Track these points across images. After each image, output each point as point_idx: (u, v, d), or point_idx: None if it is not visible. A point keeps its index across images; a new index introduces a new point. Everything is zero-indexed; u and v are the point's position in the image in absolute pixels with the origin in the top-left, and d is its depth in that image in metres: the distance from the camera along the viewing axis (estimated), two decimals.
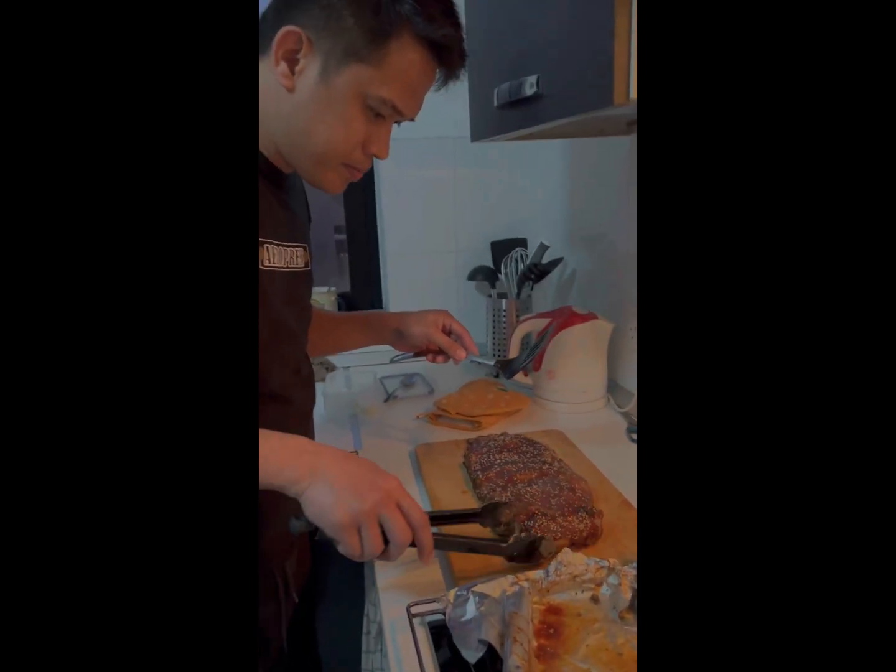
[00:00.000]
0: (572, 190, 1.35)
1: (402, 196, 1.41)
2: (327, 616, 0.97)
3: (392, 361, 1.01)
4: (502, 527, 0.67)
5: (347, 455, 0.58)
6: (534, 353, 0.92)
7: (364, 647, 0.77)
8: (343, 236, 1.56)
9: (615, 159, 1.13)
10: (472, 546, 0.62)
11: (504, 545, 0.61)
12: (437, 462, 0.89)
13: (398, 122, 0.64)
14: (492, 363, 0.93)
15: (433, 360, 0.89)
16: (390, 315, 0.92)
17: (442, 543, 0.60)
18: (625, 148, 1.09)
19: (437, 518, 0.64)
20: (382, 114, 0.60)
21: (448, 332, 0.87)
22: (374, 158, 0.65)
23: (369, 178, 1.46)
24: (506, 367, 0.93)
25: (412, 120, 0.64)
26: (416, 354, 0.92)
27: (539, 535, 0.63)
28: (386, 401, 1.18)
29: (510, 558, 0.62)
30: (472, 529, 0.67)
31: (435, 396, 1.15)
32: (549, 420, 1.05)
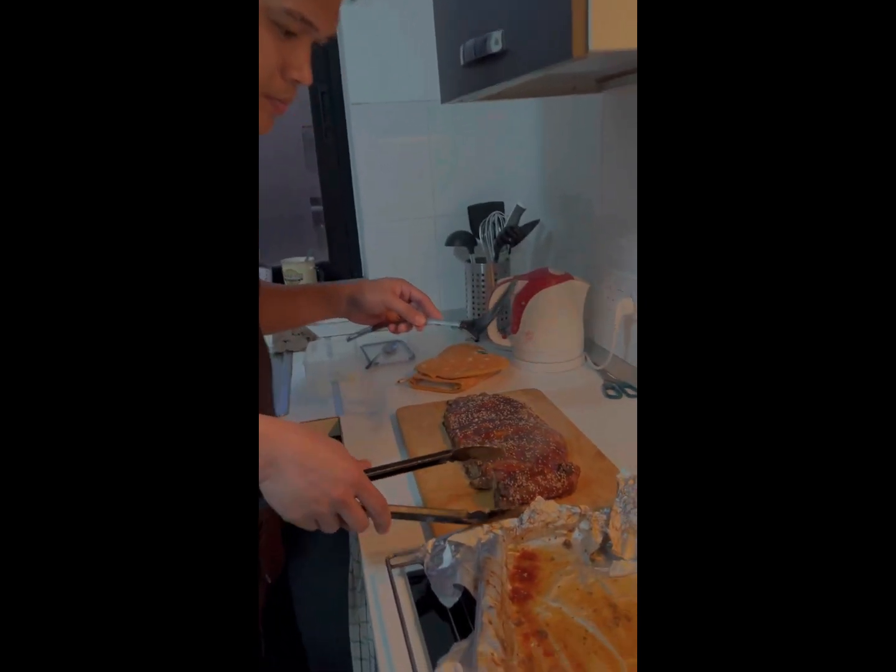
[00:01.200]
0: (548, 152, 1.34)
1: (378, 163, 1.39)
2: (312, 577, 1.00)
3: (350, 339, 0.98)
4: (477, 469, 0.70)
5: (310, 440, 0.53)
6: (497, 310, 0.93)
7: (350, 602, 0.79)
8: (320, 208, 1.54)
9: (589, 120, 1.12)
10: (432, 518, 0.63)
11: (466, 519, 0.60)
12: (418, 424, 0.90)
13: (318, 43, 0.56)
14: (456, 325, 0.93)
15: (395, 331, 0.87)
16: (344, 285, 0.88)
17: (402, 515, 0.60)
18: (598, 108, 1.08)
19: (409, 464, 0.65)
20: (293, 30, 0.52)
21: (407, 300, 0.85)
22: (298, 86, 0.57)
23: (343, 146, 1.44)
24: (472, 327, 0.93)
25: (331, 39, 0.56)
26: (375, 327, 0.89)
27: (504, 507, 0.64)
28: (367, 368, 1.19)
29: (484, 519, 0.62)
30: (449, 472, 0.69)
31: (416, 362, 1.16)
32: (527, 380, 1.07)
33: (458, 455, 0.67)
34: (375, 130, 1.36)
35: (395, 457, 0.83)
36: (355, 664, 0.82)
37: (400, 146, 1.39)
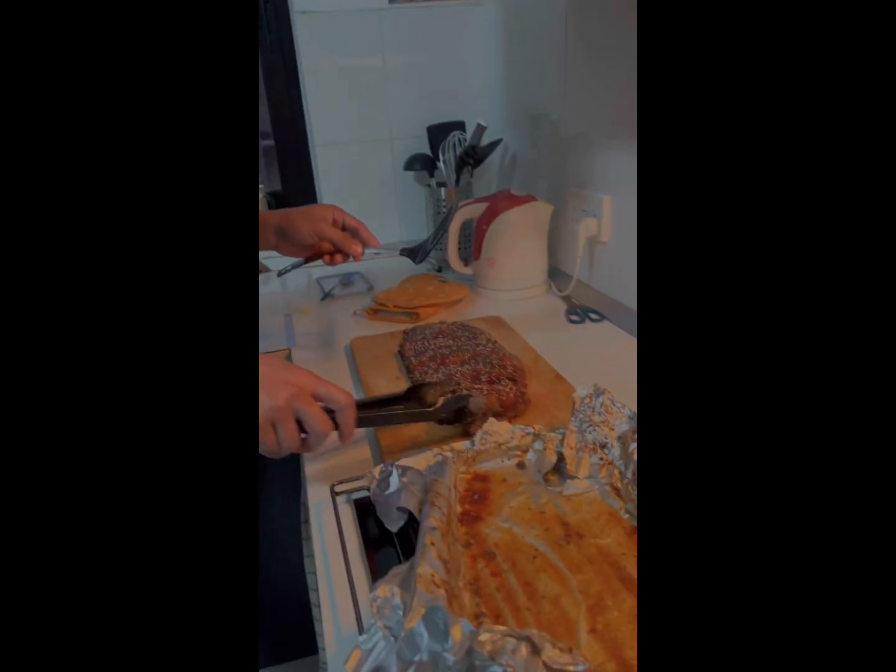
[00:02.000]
0: (510, 67, 1.26)
1: (329, 84, 1.29)
2: (268, 511, 0.98)
3: (280, 275, 0.90)
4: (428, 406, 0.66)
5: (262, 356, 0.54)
6: (440, 232, 0.87)
7: (304, 535, 0.77)
8: (270, 142, 1.44)
9: (553, 29, 1.04)
10: (398, 418, 0.60)
11: (431, 409, 0.59)
12: (372, 353, 0.86)
13: None
14: (396, 252, 0.88)
15: (330, 262, 0.80)
16: (271, 213, 0.81)
17: (365, 421, 0.58)
18: (561, 15, 1.00)
19: (360, 406, 0.61)
20: None
21: (342, 228, 0.79)
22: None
23: (291, 67, 1.33)
24: (412, 253, 0.88)
25: None
26: (308, 259, 0.82)
27: (467, 393, 0.62)
28: (323, 299, 1.13)
29: (440, 421, 0.61)
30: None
31: (374, 293, 1.11)
32: (489, 308, 1.03)
33: (412, 396, 0.62)
34: (325, 44, 1.25)
35: (348, 387, 0.79)
36: (311, 595, 0.81)
37: (352, 63, 1.29)
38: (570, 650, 0.33)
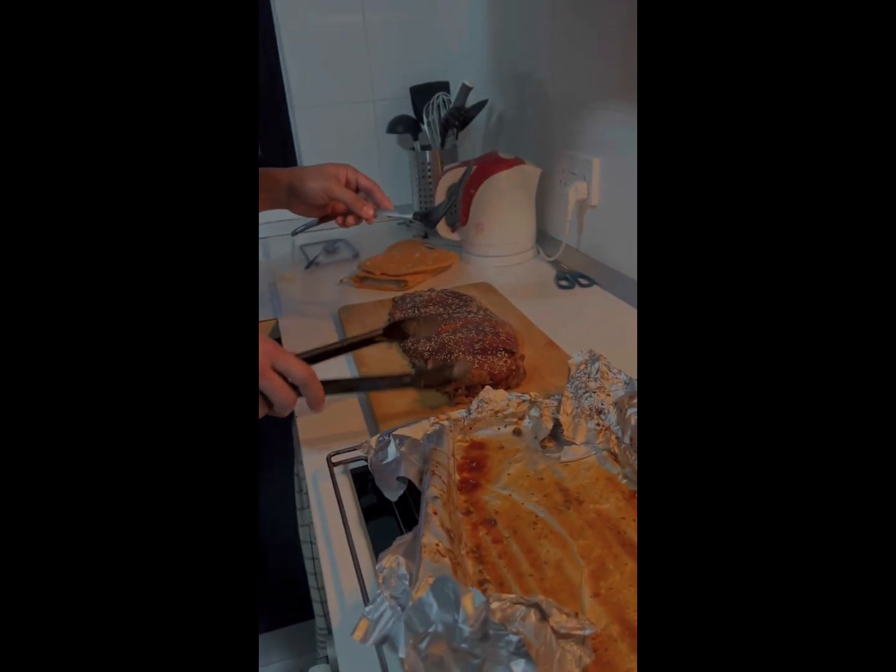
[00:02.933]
0: (495, 24, 1.22)
1: (307, 43, 1.24)
2: (261, 483, 0.98)
3: (294, 234, 0.89)
4: (424, 363, 0.66)
5: None
6: (453, 199, 0.85)
7: (298, 505, 0.77)
8: None
9: None
10: (382, 383, 0.58)
11: (408, 377, 0.57)
12: (362, 322, 0.85)
13: None
14: (409, 216, 0.86)
15: (343, 224, 0.78)
16: (283, 171, 0.78)
17: (336, 387, 0.55)
18: None
19: (342, 346, 0.60)
20: None
21: (354, 189, 0.76)
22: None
23: (267, 24, 1.27)
24: (426, 218, 0.86)
25: None
26: (322, 220, 0.80)
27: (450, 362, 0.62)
28: (307, 267, 1.11)
29: (422, 387, 0.59)
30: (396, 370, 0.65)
31: (360, 260, 1.09)
32: (478, 275, 1.02)
33: (394, 332, 0.62)
34: (302, 4, 1.20)
35: (338, 357, 0.78)
36: (307, 565, 0.81)
37: (330, 20, 1.23)
38: (577, 615, 0.34)
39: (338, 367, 0.75)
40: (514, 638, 0.27)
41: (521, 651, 0.27)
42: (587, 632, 0.33)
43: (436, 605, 0.32)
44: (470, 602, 0.29)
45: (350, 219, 0.77)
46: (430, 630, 0.28)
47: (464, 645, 0.28)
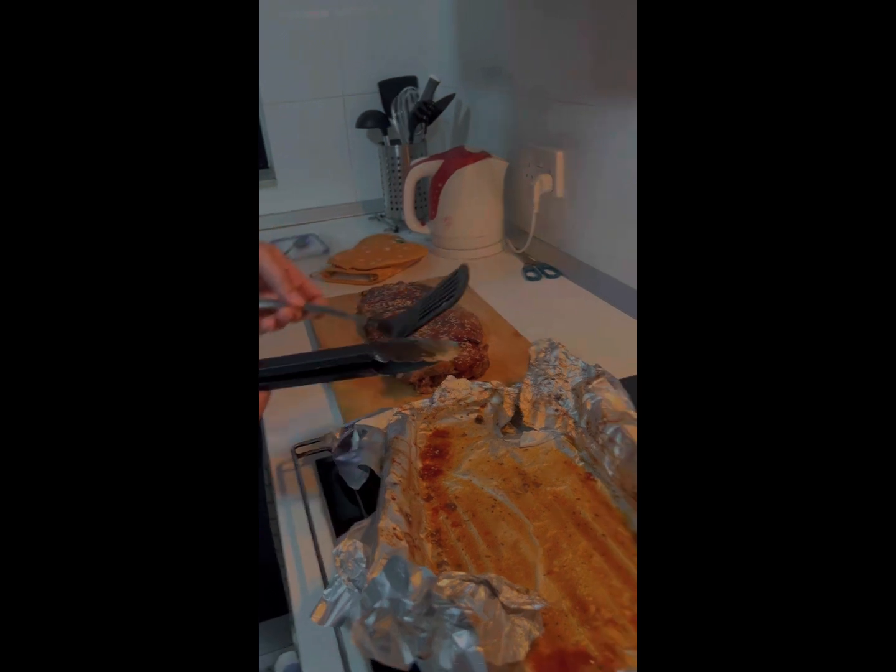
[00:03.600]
0: (462, 19, 1.22)
1: (275, 39, 1.23)
2: None
3: None
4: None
5: None
6: (426, 317, 0.64)
7: (268, 498, 0.78)
8: None
9: None
10: (332, 366, 0.48)
11: (369, 357, 0.46)
12: (329, 317, 0.85)
13: None
14: (355, 318, 0.75)
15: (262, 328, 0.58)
16: None
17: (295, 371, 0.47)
18: None
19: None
20: None
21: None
22: None
23: None
24: (385, 328, 0.67)
25: None
26: None
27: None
28: None
29: (381, 368, 0.48)
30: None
31: (330, 255, 1.09)
32: (447, 268, 1.02)
33: (375, 364, 0.48)
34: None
35: (306, 351, 0.78)
36: (279, 557, 0.82)
37: (298, 16, 1.23)
38: (528, 591, 0.35)
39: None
40: (456, 611, 0.28)
41: (464, 623, 0.28)
42: (536, 606, 0.34)
43: (388, 584, 0.33)
44: (419, 578, 0.30)
45: (268, 321, 0.57)
46: (377, 606, 0.29)
47: (408, 619, 0.29)
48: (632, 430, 0.46)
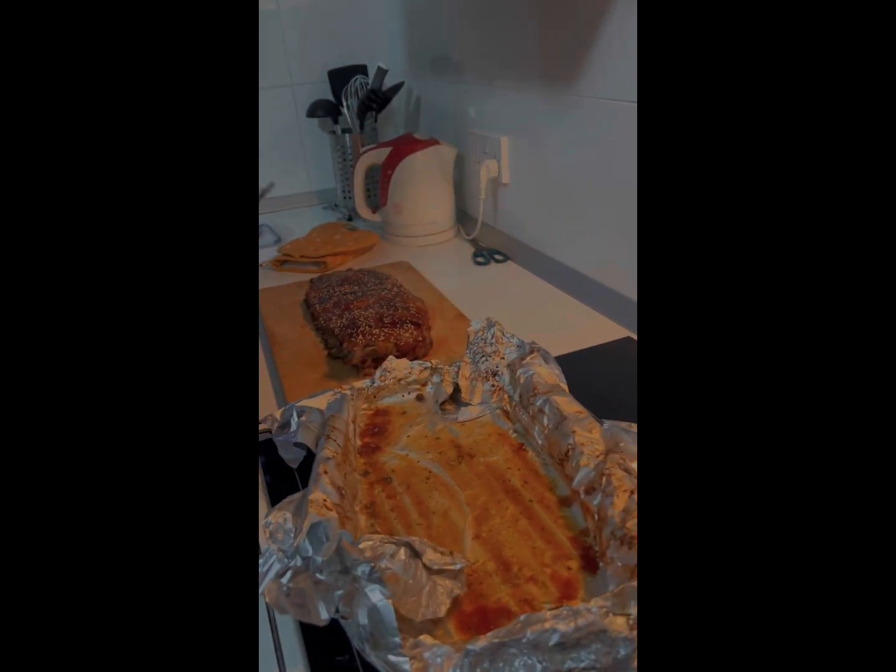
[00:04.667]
0: (408, 6, 1.22)
1: None
2: None
3: None
4: (335, 339, 0.69)
5: None
6: None
7: None
8: None
9: None
10: None
11: None
12: (277, 303, 0.86)
13: None
14: None
15: None
16: None
17: None
18: None
19: None
20: None
21: None
22: None
23: None
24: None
25: None
26: None
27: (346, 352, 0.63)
28: None
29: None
30: (307, 344, 0.66)
31: (281, 245, 1.08)
32: (399, 256, 1.04)
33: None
34: None
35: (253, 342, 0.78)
36: None
37: None
38: (451, 553, 0.36)
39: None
40: (367, 566, 0.29)
41: (374, 577, 0.29)
42: (458, 566, 0.36)
43: (311, 549, 0.34)
44: (336, 540, 0.31)
45: None
46: (291, 564, 0.30)
47: (321, 576, 0.30)
48: (560, 401, 0.48)
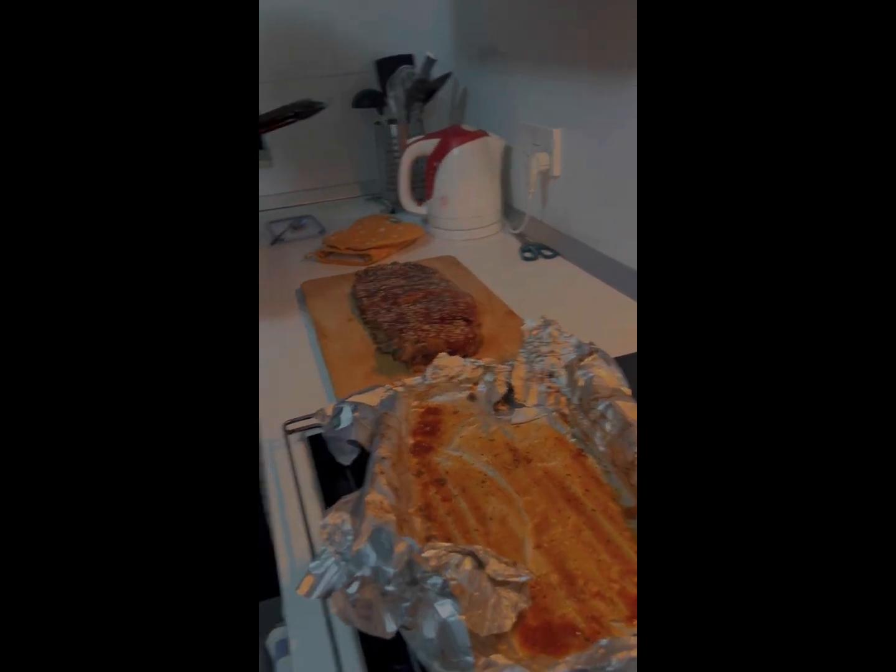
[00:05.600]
0: None
1: (272, 17, 1.20)
2: None
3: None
4: (384, 333, 0.68)
5: None
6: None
7: (261, 478, 0.77)
8: None
9: None
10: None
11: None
12: (324, 296, 0.85)
13: None
14: None
15: None
16: None
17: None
18: None
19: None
20: None
21: None
22: None
23: None
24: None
25: None
26: None
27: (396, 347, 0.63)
28: (273, 244, 1.10)
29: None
30: (356, 337, 0.65)
31: (326, 236, 1.08)
32: (443, 249, 1.02)
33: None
34: None
35: (300, 330, 0.78)
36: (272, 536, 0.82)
37: None
38: (515, 564, 0.35)
39: (301, 340, 0.75)
40: (438, 580, 0.28)
41: (446, 592, 0.28)
42: (523, 578, 0.34)
43: (374, 554, 0.32)
44: (402, 549, 0.30)
45: None
46: (359, 574, 0.29)
47: (390, 588, 0.28)
48: (623, 406, 0.46)
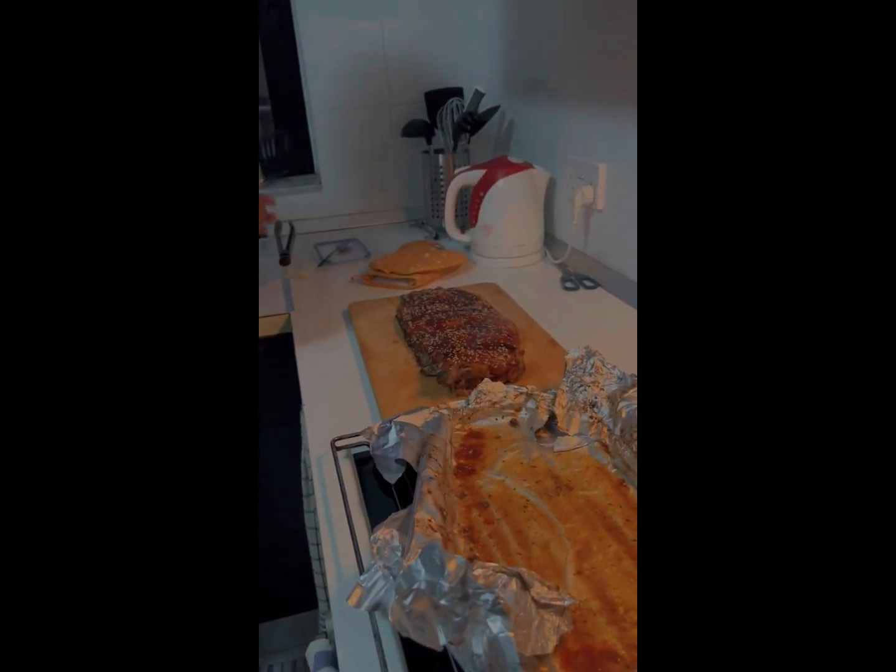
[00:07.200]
0: (509, 32, 1.24)
1: (327, 48, 1.27)
2: (267, 475, 1.00)
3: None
4: (428, 357, 0.70)
5: None
6: None
7: (304, 492, 0.80)
8: (267, 107, 1.43)
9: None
10: None
11: None
12: (370, 318, 0.88)
13: None
14: None
15: None
16: None
17: None
18: None
19: None
20: None
21: None
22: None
23: (289, 30, 1.30)
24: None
25: None
26: None
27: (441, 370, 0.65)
28: (320, 265, 1.14)
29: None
30: (400, 360, 0.67)
31: (371, 259, 1.11)
32: (485, 276, 1.04)
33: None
34: (323, 7, 1.23)
35: (347, 350, 0.81)
36: (312, 551, 0.84)
37: (350, 28, 1.27)
38: (557, 588, 0.36)
39: (347, 360, 0.78)
40: (490, 596, 0.29)
41: (497, 608, 0.29)
42: (566, 603, 0.35)
43: (424, 570, 0.34)
44: (454, 564, 0.32)
45: None
46: (414, 587, 0.31)
47: (444, 602, 0.30)
48: None
